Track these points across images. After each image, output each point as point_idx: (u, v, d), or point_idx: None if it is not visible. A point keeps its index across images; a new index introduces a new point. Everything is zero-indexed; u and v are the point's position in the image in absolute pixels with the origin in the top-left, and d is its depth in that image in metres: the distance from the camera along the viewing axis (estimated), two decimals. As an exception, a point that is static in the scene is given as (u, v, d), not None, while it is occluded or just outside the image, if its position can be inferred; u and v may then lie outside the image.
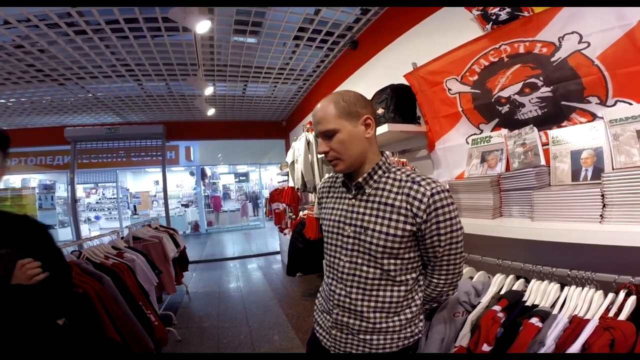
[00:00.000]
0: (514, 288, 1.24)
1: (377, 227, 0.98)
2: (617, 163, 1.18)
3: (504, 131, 1.69)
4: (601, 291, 1.01)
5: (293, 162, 3.91)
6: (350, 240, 1.03)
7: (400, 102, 2.23)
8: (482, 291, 1.29)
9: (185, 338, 3.00)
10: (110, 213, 10.79)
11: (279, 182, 6.33)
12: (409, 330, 1.03)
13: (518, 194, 1.42)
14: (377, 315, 1.00)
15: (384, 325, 1.00)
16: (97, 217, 10.67)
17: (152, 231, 3.77)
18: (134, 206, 10.94)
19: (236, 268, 5.80)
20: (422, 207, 0.93)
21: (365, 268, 1.00)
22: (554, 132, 1.44)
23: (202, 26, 2.61)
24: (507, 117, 1.69)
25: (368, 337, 1.01)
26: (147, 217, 9.03)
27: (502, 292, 1.24)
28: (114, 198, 10.44)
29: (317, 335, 1.15)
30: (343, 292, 1.04)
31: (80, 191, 9.44)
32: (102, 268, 2.11)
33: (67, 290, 1.24)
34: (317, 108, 1.03)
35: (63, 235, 8.49)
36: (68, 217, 8.42)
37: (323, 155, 1.04)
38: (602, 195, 1.10)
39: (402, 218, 0.96)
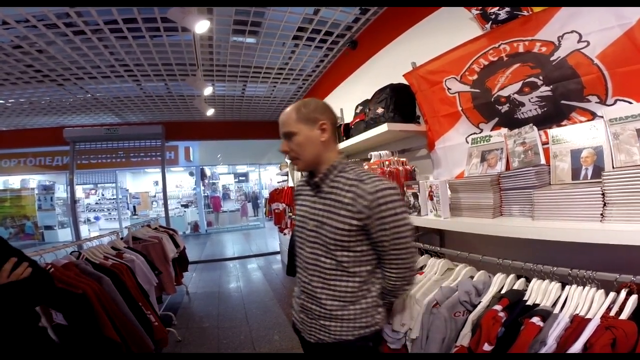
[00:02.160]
0: (515, 287, 1.24)
1: (330, 222, 1.08)
2: (617, 162, 1.17)
3: (504, 130, 1.69)
4: (602, 290, 1.01)
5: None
6: (312, 234, 1.14)
7: (399, 101, 2.23)
8: (483, 290, 1.28)
9: (185, 338, 3.00)
10: (109, 214, 10.78)
11: (278, 182, 6.33)
12: (364, 320, 1.11)
13: (518, 193, 1.42)
14: (335, 303, 1.10)
15: (339, 312, 1.10)
16: (97, 218, 10.66)
17: (151, 232, 3.76)
18: (134, 207, 10.93)
19: (236, 268, 5.80)
20: (365, 203, 1.02)
21: (322, 259, 1.11)
22: (553, 131, 1.44)
23: (201, 26, 2.60)
24: (506, 116, 1.69)
25: (327, 323, 1.12)
26: (147, 217, 9.02)
27: (503, 291, 1.23)
28: (114, 199, 10.44)
29: (293, 319, 1.30)
30: (306, 280, 1.17)
31: (79, 192, 9.45)
32: (102, 269, 2.10)
33: (45, 279, 1.38)
34: (283, 112, 1.17)
35: (62, 236, 8.50)
36: (67, 217, 8.43)
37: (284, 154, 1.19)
38: (603, 194, 1.10)
39: (349, 214, 1.05)
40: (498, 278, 1.29)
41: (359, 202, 1.03)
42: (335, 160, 1.15)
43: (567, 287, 1.08)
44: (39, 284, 1.31)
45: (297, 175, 3.65)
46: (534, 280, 1.18)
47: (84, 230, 8.58)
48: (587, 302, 1.00)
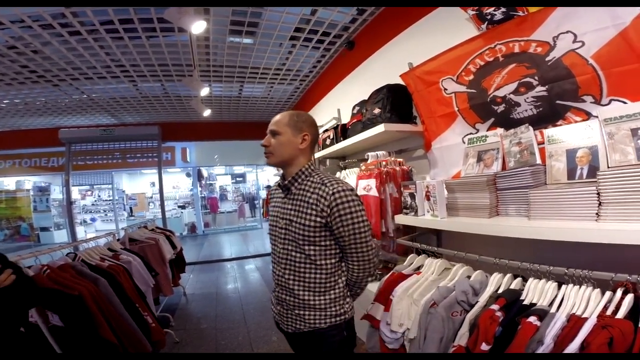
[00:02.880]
0: (512, 287, 1.24)
1: (298, 220, 1.22)
2: (612, 161, 1.18)
3: (500, 130, 1.70)
4: (598, 289, 1.01)
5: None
6: (283, 231, 1.28)
7: (396, 102, 2.24)
8: (480, 290, 1.29)
9: (183, 340, 2.99)
10: (106, 215, 10.71)
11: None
12: (334, 308, 1.24)
13: (514, 193, 1.43)
14: (306, 293, 1.24)
15: (312, 302, 1.23)
16: (93, 219, 10.60)
17: (148, 233, 3.74)
18: (130, 208, 10.88)
19: (234, 269, 5.78)
20: (326, 203, 1.16)
21: (293, 253, 1.25)
22: (549, 131, 1.45)
23: (198, 27, 2.60)
24: (502, 117, 1.70)
25: (301, 312, 1.25)
26: (144, 218, 8.99)
27: (500, 291, 1.24)
28: (110, 200, 10.36)
29: (272, 312, 1.42)
30: (280, 272, 1.31)
31: (75, 193, 9.38)
32: (98, 270, 2.09)
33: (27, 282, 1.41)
34: (277, 115, 1.31)
35: (59, 237, 8.43)
36: (63, 219, 8.35)
37: (263, 147, 1.30)
38: (598, 194, 1.11)
39: (314, 212, 1.18)
40: (495, 278, 1.29)
41: (322, 202, 1.17)
42: (304, 166, 1.28)
43: (564, 286, 1.09)
44: (22, 291, 1.33)
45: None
46: (530, 279, 1.18)
47: (80, 232, 8.52)
48: (584, 301, 1.00)
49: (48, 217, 8.67)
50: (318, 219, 1.18)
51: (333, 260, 1.25)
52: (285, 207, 1.29)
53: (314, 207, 1.19)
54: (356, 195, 1.21)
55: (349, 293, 1.31)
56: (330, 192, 1.16)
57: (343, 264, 1.29)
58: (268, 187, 10.04)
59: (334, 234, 1.21)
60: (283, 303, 1.32)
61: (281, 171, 1.35)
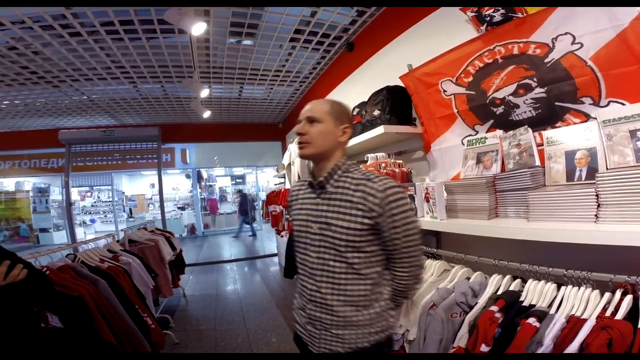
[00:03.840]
0: (511, 288, 1.24)
1: (339, 222, 1.05)
2: (611, 163, 1.18)
3: (499, 132, 1.70)
4: (597, 291, 1.02)
5: (290, 164, 3.91)
6: (317, 237, 1.10)
7: (396, 103, 2.24)
8: (480, 292, 1.29)
9: (183, 341, 2.99)
10: (105, 216, 10.72)
11: (275, 185, 6.32)
12: (379, 324, 1.08)
13: (513, 195, 1.43)
14: (347, 309, 1.06)
15: (354, 319, 1.05)
16: (93, 220, 10.59)
17: (148, 234, 3.74)
18: (130, 209, 10.88)
19: (233, 270, 5.78)
20: (376, 201, 1.02)
21: (332, 262, 1.07)
22: (548, 133, 1.45)
23: (198, 28, 2.60)
24: (501, 118, 1.70)
25: (340, 331, 1.06)
26: (143, 220, 8.98)
27: (499, 292, 1.24)
28: (110, 201, 10.36)
29: (298, 332, 1.21)
30: (314, 287, 1.10)
31: (75, 194, 9.38)
32: (98, 271, 2.09)
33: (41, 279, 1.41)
34: (314, 101, 1.18)
35: (58, 238, 8.43)
36: (63, 220, 8.35)
37: (297, 135, 1.16)
38: (597, 195, 1.11)
39: (360, 213, 1.03)
40: (494, 279, 1.30)
41: (370, 200, 1.02)
42: (340, 161, 1.15)
43: (563, 287, 1.09)
44: (36, 285, 1.33)
45: (294, 177, 3.65)
46: (530, 281, 1.19)
47: (80, 233, 8.52)
48: (583, 302, 1.01)
49: (47, 218, 8.67)
50: (365, 220, 1.03)
51: (378, 269, 1.10)
52: (319, 209, 1.12)
53: (359, 206, 1.03)
54: (404, 192, 1.08)
55: (392, 304, 1.15)
56: (381, 189, 1.02)
57: (386, 272, 1.14)
58: (239, 191, 9.91)
59: (382, 236, 1.06)
60: (316, 322, 1.10)
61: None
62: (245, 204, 9.25)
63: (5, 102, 5.09)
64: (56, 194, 8.87)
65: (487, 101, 1.72)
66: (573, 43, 1.35)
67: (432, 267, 1.58)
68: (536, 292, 1.14)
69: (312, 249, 1.12)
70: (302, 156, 1.17)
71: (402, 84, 2.27)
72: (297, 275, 1.21)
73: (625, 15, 1.20)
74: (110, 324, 1.83)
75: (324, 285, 1.08)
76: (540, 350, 0.90)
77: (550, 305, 1.07)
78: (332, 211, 1.08)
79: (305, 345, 1.17)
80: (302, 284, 1.17)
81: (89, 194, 11.02)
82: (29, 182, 8.79)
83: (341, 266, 1.06)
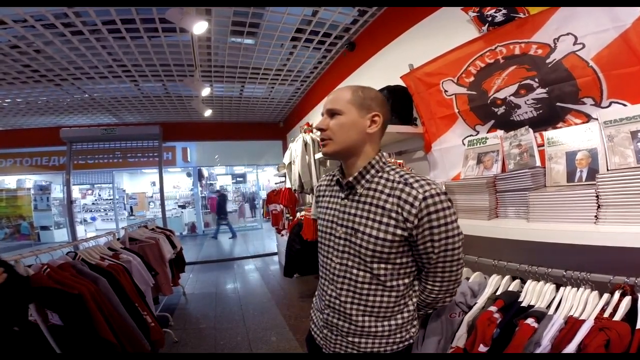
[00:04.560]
0: (510, 289, 1.24)
1: (367, 230, 0.95)
2: (612, 164, 1.18)
3: (500, 132, 1.70)
4: (596, 292, 1.02)
5: (290, 164, 3.91)
6: (342, 242, 1.01)
7: (397, 103, 2.24)
8: (478, 292, 1.29)
9: (182, 339, 2.99)
10: (106, 214, 10.73)
11: (276, 184, 6.32)
12: (398, 335, 1.00)
13: (514, 195, 1.43)
14: (367, 319, 0.98)
15: (372, 329, 0.98)
16: (93, 218, 10.61)
17: (148, 232, 3.75)
18: (131, 207, 10.89)
19: (233, 269, 5.78)
20: (413, 211, 0.89)
21: (355, 271, 0.98)
22: (549, 134, 1.45)
23: (199, 27, 2.60)
24: (502, 119, 1.70)
25: (357, 340, 0.99)
26: (144, 218, 8.99)
27: (498, 292, 1.24)
28: (110, 199, 10.37)
29: (312, 333, 1.15)
30: (334, 294, 1.03)
31: (76, 192, 9.40)
32: (98, 269, 2.09)
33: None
34: (336, 90, 1.04)
35: (59, 236, 8.44)
36: (64, 218, 8.37)
37: (319, 132, 1.04)
38: (597, 196, 1.11)
39: (392, 222, 0.92)
40: (493, 279, 1.29)
41: (406, 209, 0.90)
42: (374, 158, 1.00)
43: (562, 288, 1.09)
44: (14, 289, 1.32)
45: (295, 176, 3.65)
46: (529, 281, 1.19)
47: (81, 231, 8.52)
48: (582, 303, 1.01)
49: (48, 216, 8.68)
50: (398, 231, 0.91)
51: (407, 280, 0.99)
52: (346, 212, 1.01)
53: (393, 214, 0.91)
54: (450, 200, 0.92)
55: (416, 315, 1.06)
56: (421, 197, 0.88)
57: (416, 282, 1.04)
58: (217, 191, 9.86)
59: (417, 249, 0.94)
60: (333, 328, 1.04)
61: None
62: (224, 204, 9.22)
63: (7, 101, 5.10)
64: (57, 192, 8.88)
65: (488, 101, 1.72)
66: (575, 43, 1.35)
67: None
68: (535, 293, 1.14)
69: (335, 254, 1.03)
70: (324, 154, 1.05)
71: (403, 84, 2.27)
72: (319, 276, 1.14)
73: (628, 15, 1.20)
74: (109, 322, 1.83)
75: (344, 292, 1.00)
76: (538, 351, 0.90)
77: (549, 306, 1.07)
78: (360, 216, 0.97)
79: (317, 348, 1.10)
80: (323, 288, 1.09)
81: (90, 191, 11.04)
82: (30, 180, 8.81)
83: (365, 276, 0.96)
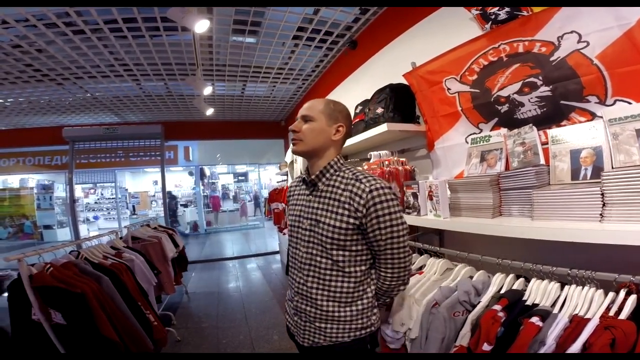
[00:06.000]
0: (514, 287, 1.24)
1: (327, 220, 1.10)
2: (617, 162, 1.17)
3: (504, 130, 1.69)
4: (601, 290, 1.01)
5: (292, 162, 3.91)
6: (307, 233, 1.16)
7: (399, 101, 2.23)
8: (482, 290, 1.28)
9: (185, 338, 3.00)
10: (109, 213, 10.77)
11: (278, 182, 6.33)
12: (360, 321, 1.13)
13: (517, 193, 1.42)
14: (330, 304, 1.12)
15: (336, 314, 1.11)
16: (96, 217, 10.65)
17: (150, 231, 3.76)
18: (133, 206, 10.93)
19: (235, 268, 5.79)
20: (362, 202, 1.04)
21: (318, 258, 1.12)
22: (553, 131, 1.44)
23: (201, 26, 2.60)
24: (506, 117, 1.69)
25: (323, 325, 1.13)
26: (146, 217, 9.02)
27: (502, 291, 1.23)
28: (113, 198, 10.41)
29: (287, 323, 1.31)
30: (301, 280, 1.17)
31: (78, 191, 9.43)
32: (101, 268, 2.10)
33: None
34: (311, 100, 1.22)
35: (61, 235, 8.48)
36: (66, 217, 8.41)
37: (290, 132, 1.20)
38: (602, 194, 1.10)
39: (346, 212, 1.07)
40: (497, 278, 1.29)
41: (356, 201, 1.05)
42: (333, 160, 1.18)
43: (567, 287, 1.09)
44: None
45: (297, 175, 3.65)
46: (533, 280, 1.18)
47: (83, 230, 8.55)
48: (587, 302, 1.00)
49: (51, 215, 8.71)
50: (351, 220, 1.06)
51: (363, 268, 1.14)
52: (310, 206, 1.17)
53: (346, 206, 1.07)
54: (394, 194, 1.08)
55: (376, 303, 1.20)
56: (367, 190, 1.04)
57: (373, 271, 1.18)
58: (169, 192, 9.72)
59: (367, 237, 1.09)
60: (302, 314, 1.18)
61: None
62: (175, 207, 9.19)
63: (9, 100, 5.12)
64: (60, 191, 8.91)
65: (492, 99, 1.71)
66: (579, 41, 1.34)
67: (434, 266, 1.57)
68: (539, 291, 1.13)
69: (302, 244, 1.18)
70: (294, 152, 1.23)
71: (405, 82, 2.26)
72: (289, 267, 1.27)
73: (632, 14, 1.18)
74: (112, 320, 1.83)
75: (310, 279, 1.14)
76: (542, 350, 0.89)
77: (554, 304, 1.06)
78: (321, 209, 1.12)
79: (292, 336, 1.26)
80: (292, 277, 1.24)
81: (92, 190, 11.09)
82: (33, 179, 8.84)
83: (327, 262, 1.11)
